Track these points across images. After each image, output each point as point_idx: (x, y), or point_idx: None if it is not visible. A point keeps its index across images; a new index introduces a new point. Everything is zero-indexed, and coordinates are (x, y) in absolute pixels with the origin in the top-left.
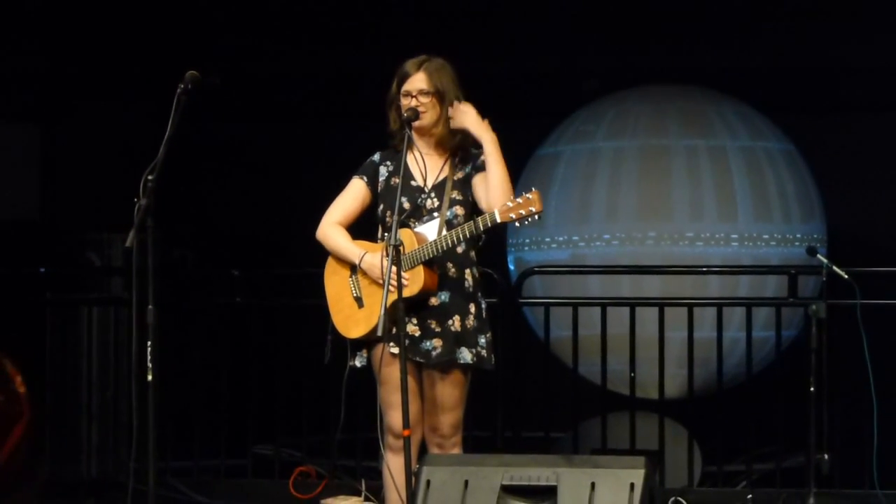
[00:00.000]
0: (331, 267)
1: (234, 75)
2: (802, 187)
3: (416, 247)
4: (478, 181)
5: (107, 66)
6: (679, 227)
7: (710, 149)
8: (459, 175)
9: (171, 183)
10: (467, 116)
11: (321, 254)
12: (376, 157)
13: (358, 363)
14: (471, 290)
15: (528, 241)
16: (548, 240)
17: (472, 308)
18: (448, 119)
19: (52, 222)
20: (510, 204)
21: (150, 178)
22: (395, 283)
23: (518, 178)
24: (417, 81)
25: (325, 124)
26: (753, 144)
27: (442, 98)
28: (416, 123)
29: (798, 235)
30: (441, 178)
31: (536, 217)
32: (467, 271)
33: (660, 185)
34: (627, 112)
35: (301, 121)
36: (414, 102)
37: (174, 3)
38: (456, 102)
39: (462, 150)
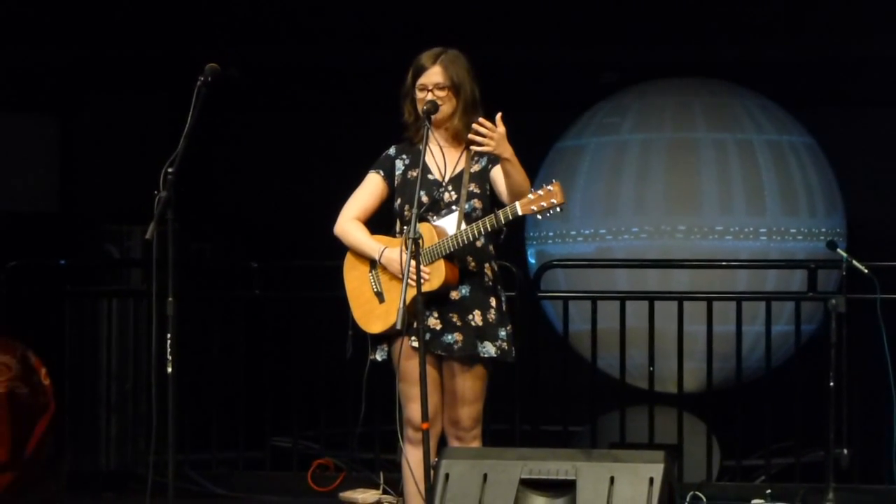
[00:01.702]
0: (350, 262)
1: (253, 66)
2: (825, 181)
3: (436, 240)
4: (497, 174)
5: (125, 58)
6: (708, 220)
7: (739, 142)
8: (476, 168)
9: (190, 175)
10: (493, 141)
11: (339, 246)
12: (392, 150)
13: (378, 357)
14: (490, 283)
15: (551, 234)
16: (573, 233)
17: (493, 302)
18: (464, 112)
19: (71, 214)
20: (531, 196)
21: (169, 170)
22: (414, 277)
23: (538, 170)
24: (433, 75)
25: (345, 116)
26: (779, 138)
27: (458, 91)
28: (434, 116)
29: (823, 230)
30: (458, 171)
31: (559, 209)
32: (486, 265)
33: (689, 178)
34: (652, 105)
35: (321, 113)
36: (430, 96)
37: None
38: (478, 125)
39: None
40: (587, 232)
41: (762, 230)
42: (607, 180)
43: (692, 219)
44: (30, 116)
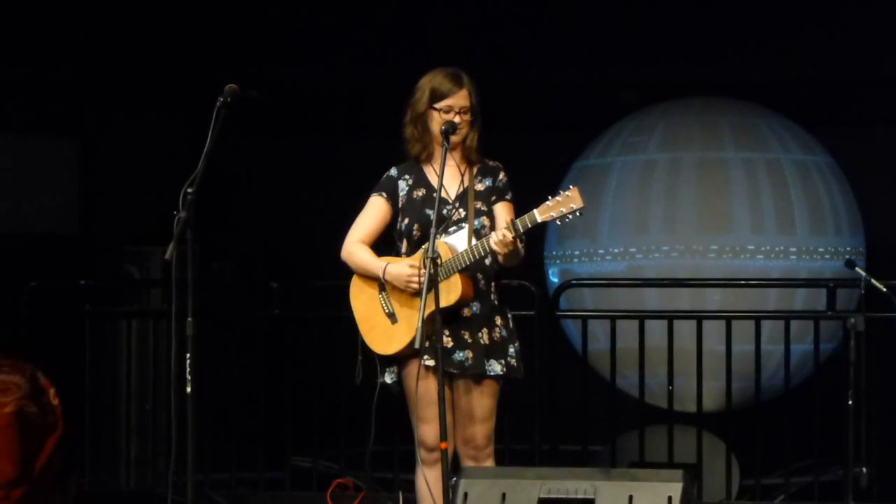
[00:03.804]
0: (357, 286)
1: (273, 87)
2: (847, 200)
3: (450, 256)
4: (498, 212)
5: (145, 80)
6: (740, 239)
7: (768, 162)
8: (480, 187)
9: (210, 195)
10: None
11: (351, 270)
12: (393, 172)
13: (388, 380)
14: (496, 302)
15: (577, 252)
16: (601, 251)
17: (499, 320)
18: (475, 134)
19: (91, 235)
20: (549, 203)
21: (189, 191)
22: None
23: (559, 188)
24: (462, 99)
25: (365, 136)
26: (805, 158)
27: (476, 114)
28: (453, 139)
29: (848, 249)
30: (463, 188)
31: (578, 213)
32: (493, 283)
33: (720, 197)
34: (678, 124)
35: (340, 133)
36: (456, 119)
37: (211, 18)
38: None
39: (479, 162)
40: (616, 251)
41: (792, 249)
42: (636, 199)
43: (724, 238)
44: (50, 138)
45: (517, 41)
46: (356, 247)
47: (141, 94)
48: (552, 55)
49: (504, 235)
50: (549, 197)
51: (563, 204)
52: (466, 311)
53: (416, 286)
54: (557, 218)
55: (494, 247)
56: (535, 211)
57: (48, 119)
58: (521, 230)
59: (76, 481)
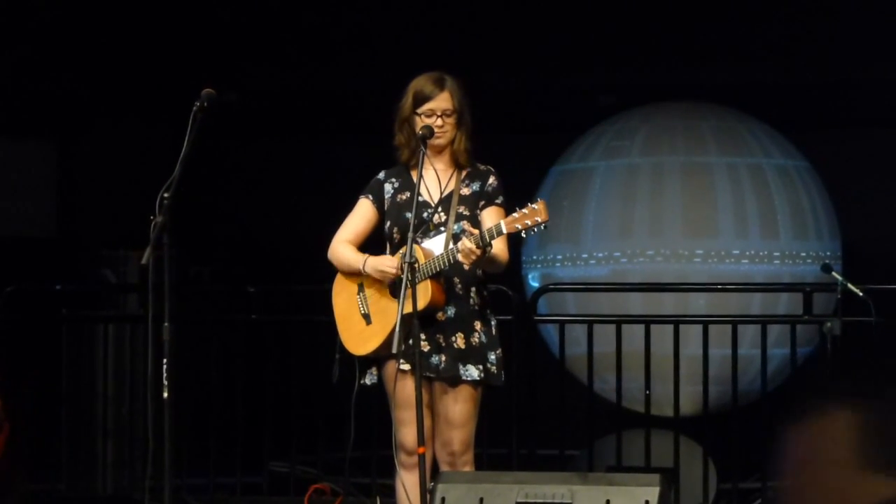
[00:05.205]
0: (338, 285)
1: (252, 91)
2: (826, 205)
3: (424, 261)
4: (484, 218)
5: (124, 84)
6: (725, 244)
7: (749, 166)
8: (466, 191)
9: (187, 200)
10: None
11: (336, 270)
12: (381, 175)
13: (368, 381)
14: (476, 307)
15: (559, 257)
16: (584, 256)
17: (478, 325)
18: (465, 137)
19: (68, 239)
20: (516, 215)
21: (165, 195)
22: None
23: (537, 193)
24: (443, 101)
25: (342, 140)
26: (785, 163)
27: (461, 117)
28: (437, 142)
29: (828, 253)
30: (447, 192)
31: (542, 227)
32: (473, 288)
33: (704, 202)
34: (661, 128)
35: (319, 137)
36: (439, 122)
37: (189, 21)
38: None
39: (470, 166)
40: (600, 255)
41: (776, 254)
42: (620, 203)
43: (709, 242)
44: (28, 142)
45: (495, 44)
46: (341, 245)
47: (119, 98)
48: (529, 58)
49: (464, 246)
50: (517, 208)
51: (528, 217)
52: (441, 315)
53: (391, 273)
54: (522, 230)
55: (458, 257)
56: (501, 222)
57: (26, 123)
58: (488, 240)
59: (24, 482)
